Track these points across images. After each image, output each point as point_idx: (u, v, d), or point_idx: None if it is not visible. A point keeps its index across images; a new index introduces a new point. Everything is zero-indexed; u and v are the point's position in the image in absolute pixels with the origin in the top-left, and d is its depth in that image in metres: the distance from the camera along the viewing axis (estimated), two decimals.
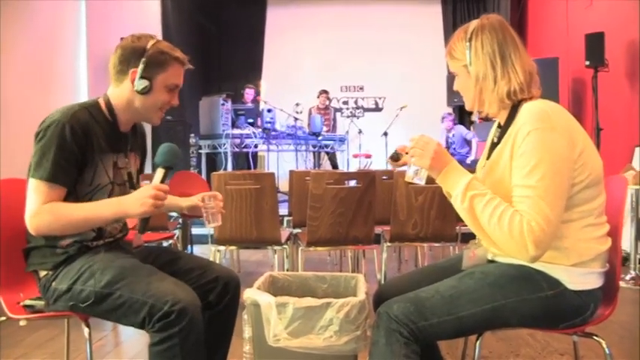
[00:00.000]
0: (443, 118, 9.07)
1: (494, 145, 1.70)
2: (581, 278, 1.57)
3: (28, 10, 5.03)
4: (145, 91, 1.81)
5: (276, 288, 2.00)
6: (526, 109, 1.57)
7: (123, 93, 1.85)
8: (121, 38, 1.90)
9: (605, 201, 1.61)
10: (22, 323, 1.83)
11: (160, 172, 1.75)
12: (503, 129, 1.65)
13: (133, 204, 1.68)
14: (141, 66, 1.79)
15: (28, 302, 1.85)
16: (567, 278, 1.56)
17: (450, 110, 9.64)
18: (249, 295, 1.74)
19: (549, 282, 1.56)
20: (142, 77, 1.80)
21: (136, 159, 2.04)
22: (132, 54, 1.81)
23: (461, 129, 8.85)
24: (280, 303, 1.65)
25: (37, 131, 1.74)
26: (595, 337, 1.69)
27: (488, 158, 1.71)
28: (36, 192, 1.69)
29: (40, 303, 1.83)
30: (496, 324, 1.61)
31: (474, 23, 1.68)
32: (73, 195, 1.78)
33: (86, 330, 1.84)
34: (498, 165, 1.62)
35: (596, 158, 1.59)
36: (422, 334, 1.54)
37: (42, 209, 1.69)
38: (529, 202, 1.47)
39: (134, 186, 1.99)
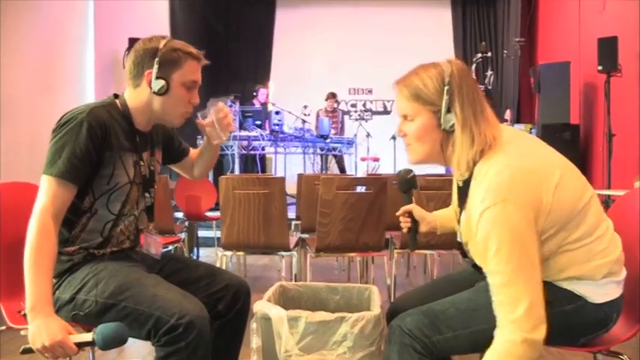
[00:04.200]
0: None
1: (460, 190, 1.58)
2: (602, 290, 1.48)
3: (35, 8, 4.99)
4: (162, 92, 1.76)
5: (286, 299, 1.93)
6: (480, 178, 1.42)
7: (141, 96, 1.80)
8: (129, 39, 1.85)
9: (597, 215, 1.50)
10: (23, 333, 1.77)
11: (86, 338, 1.47)
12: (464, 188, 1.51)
13: (39, 328, 1.49)
14: (155, 66, 1.74)
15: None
16: (588, 292, 1.48)
17: None
18: (259, 307, 1.68)
19: (571, 296, 1.48)
20: (157, 77, 1.75)
21: (159, 155, 1.99)
22: (145, 55, 1.76)
23: None
24: (292, 317, 1.58)
25: (53, 128, 1.69)
26: (621, 357, 1.62)
27: (459, 206, 1.59)
28: (46, 189, 1.63)
29: None
30: None
31: (445, 65, 1.50)
32: (90, 196, 1.74)
33: None
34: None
35: (573, 188, 1.46)
36: (436, 348, 1.48)
37: (45, 219, 1.60)
38: (502, 293, 1.35)
39: (152, 185, 1.94)
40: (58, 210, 1.63)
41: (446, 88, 1.46)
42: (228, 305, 1.88)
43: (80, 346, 1.47)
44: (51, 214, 1.61)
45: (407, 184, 1.84)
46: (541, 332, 1.34)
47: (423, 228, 1.87)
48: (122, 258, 1.81)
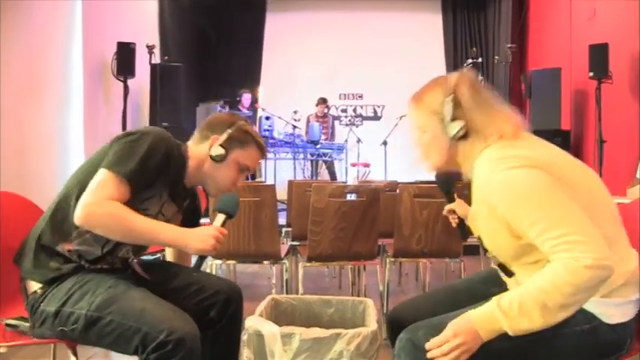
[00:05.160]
0: None
1: None
2: (617, 310, 1.44)
3: (21, 11, 4.90)
4: (218, 159, 1.82)
5: (278, 313, 1.88)
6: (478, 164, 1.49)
7: (198, 153, 1.86)
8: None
9: (613, 225, 1.48)
10: (1, 350, 1.70)
11: (220, 217, 1.72)
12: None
13: (196, 238, 1.65)
14: (224, 135, 1.83)
15: (11, 322, 1.73)
16: (603, 311, 1.43)
17: None
18: (251, 323, 1.62)
19: (585, 315, 1.43)
20: (220, 145, 1.82)
21: (176, 216, 1.96)
22: (220, 123, 1.87)
23: None
24: (285, 333, 1.53)
25: (128, 132, 1.73)
26: None
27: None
28: (105, 183, 1.62)
29: (25, 324, 1.71)
30: (524, 356, 1.47)
31: (452, 77, 1.58)
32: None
33: (72, 358, 1.71)
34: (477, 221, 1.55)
35: (582, 183, 1.47)
36: None
37: (105, 202, 1.60)
38: (559, 252, 1.31)
39: None
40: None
41: (450, 97, 1.51)
42: (220, 311, 1.87)
43: (223, 224, 1.71)
44: (104, 200, 1.61)
45: (446, 184, 1.92)
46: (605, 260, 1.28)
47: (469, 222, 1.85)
48: (108, 273, 1.75)
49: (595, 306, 1.43)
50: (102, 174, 1.63)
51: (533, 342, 1.40)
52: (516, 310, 1.32)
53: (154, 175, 1.72)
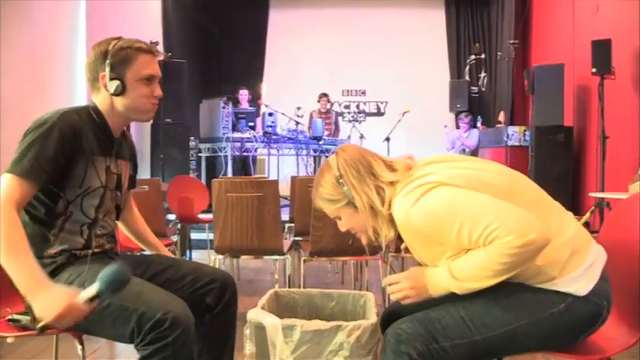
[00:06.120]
0: (459, 119, 9.11)
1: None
2: (581, 280, 1.48)
3: (26, 10, 4.93)
4: (119, 92, 1.76)
5: (280, 306, 1.90)
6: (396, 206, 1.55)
7: (103, 100, 1.81)
8: None
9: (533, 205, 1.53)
10: (9, 340, 1.73)
11: (90, 291, 1.48)
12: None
13: (42, 301, 1.48)
14: (107, 68, 1.75)
15: (14, 317, 1.75)
16: (571, 286, 1.48)
17: (466, 112, 9.52)
18: (253, 315, 1.64)
19: (558, 296, 1.48)
20: (111, 79, 1.75)
21: (126, 167, 1.97)
22: (97, 59, 1.77)
23: (476, 132, 8.81)
24: (287, 325, 1.55)
25: (25, 131, 1.69)
26: None
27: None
28: (6, 185, 1.60)
29: (27, 318, 1.72)
30: (513, 349, 1.53)
31: (332, 160, 1.65)
32: (64, 199, 1.72)
33: (79, 347, 1.75)
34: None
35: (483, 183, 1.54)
36: (433, 356, 1.46)
37: (7, 211, 1.55)
38: (492, 240, 1.42)
39: (120, 188, 1.93)
40: (19, 206, 1.61)
41: (340, 182, 1.61)
42: (216, 297, 1.91)
43: (90, 301, 1.46)
44: (13, 208, 1.58)
45: None
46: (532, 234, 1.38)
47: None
48: (105, 260, 1.78)
49: (564, 285, 1.48)
50: (3, 177, 1.62)
51: (513, 331, 1.47)
52: (462, 277, 1.47)
53: (63, 158, 1.67)
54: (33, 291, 1.49)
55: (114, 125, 1.84)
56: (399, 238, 1.73)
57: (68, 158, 1.69)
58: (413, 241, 1.59)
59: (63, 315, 1.45)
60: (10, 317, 1.75)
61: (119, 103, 1.78)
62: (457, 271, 1.48)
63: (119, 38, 1.80)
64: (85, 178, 1.74)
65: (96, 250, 1.80)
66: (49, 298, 1.47)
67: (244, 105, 8.66)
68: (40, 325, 1.48)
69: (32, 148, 1.63)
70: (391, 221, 1.57)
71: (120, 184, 1.90)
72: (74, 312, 1.46)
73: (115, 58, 1.75)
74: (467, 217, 1.43)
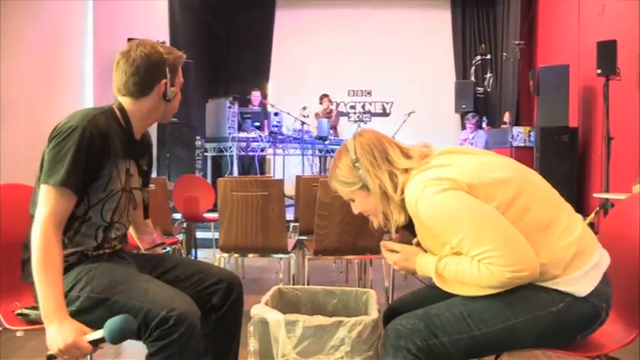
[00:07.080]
0: (466, 119, 9.11)
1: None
2: (583, 280, 1.50)
3: (34, 9, 4.98)
4: (173, 96, 1.84)
5: (284, 303, 1.93)
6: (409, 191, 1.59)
7: (146, 104, 1.83)
8: (129, 40, 1.85)
9: (544, 206, 1.56)
10: (18, 334, 1.76)
11: (96, 334, 1.51)
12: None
13: (53, 331, 1.51)
14: (168, 75, 1.81)
15: (23, 311, 1.79)
16: (572, 286, 1.50)
17: (473, 112, 9.52)
18: (256, 311, 1.67)
19: (558, 294, 1.50)
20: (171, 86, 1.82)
21: (142, 167, 1.99)
22: (154, 64, 1.79)
23: (482, 133, 8.82)
24: (289, 321, 1.57)
25: (52, 135, 1.67)
26: None
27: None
28: (47, 198, 1.61)
29: (36, 312, 1.76)
30: (511, 345, 1.55)
31: (350, 144, 1.70)
32: (85, 203, 1.73)
33: None
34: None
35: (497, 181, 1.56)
36: (432, 352, 1.48)
37: (48, 228, 1.58)
38: (489, 263, 1.47)
39: (139, 191, 1.96)
40: (60, 219, 1.63)
41: (356, 165, 1.66)
42: (223, 297, 1.92)
43: (94, 344, 1.50)
44: (53, 223, 1.60)
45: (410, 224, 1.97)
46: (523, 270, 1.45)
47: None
48: (115, 259, 1.82)
49: (565, 284, 1.50)
50: (42, 189, 1.63)
51: (511, 327, 1.49)
52: (445, 276, 1.56)
53: (94, 163, 1.68)
54: (50, 319, 1.53)
55: (139, 128, 1.87)
56: (411, 233, 1.78)
57: (98, 163, 1.70)
58: (420, 227, 1.63)
59: (65, 350, 1.49)
60: (19, 311, 1.78)
61: (165, 107, 1.86)
62: (445, 269, 1.55)
63: (160, 44, 1.85)
64: (109, 183, 1.75)
65: (107, 251, 1.82)
66: (59, 329, 1.51)
67: (256, 106, 8.70)
68: (47, 354, 1.54)
69: (67, 154, 1.62)
70: (402, 207, 1.61)
71: (135, 184, 1.92)
72: (77, 348, 1.50)
73: (171, 66, 1.82)
74: (470, 234, 1.48)
